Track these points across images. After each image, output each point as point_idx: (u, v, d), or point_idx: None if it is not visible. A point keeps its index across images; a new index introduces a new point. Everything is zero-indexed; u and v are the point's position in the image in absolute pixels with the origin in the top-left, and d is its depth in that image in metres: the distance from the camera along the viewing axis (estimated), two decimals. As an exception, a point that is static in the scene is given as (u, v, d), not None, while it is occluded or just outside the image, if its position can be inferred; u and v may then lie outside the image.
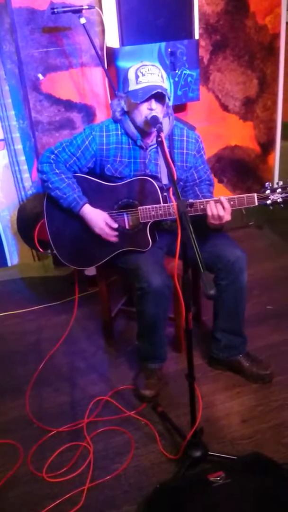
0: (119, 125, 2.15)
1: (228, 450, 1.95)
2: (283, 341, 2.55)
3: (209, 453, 1.88)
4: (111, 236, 2.18)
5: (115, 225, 2.17)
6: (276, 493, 1.64)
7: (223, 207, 1.94)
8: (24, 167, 3.03)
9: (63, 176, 2.15)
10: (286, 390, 2.24)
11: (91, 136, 2.15)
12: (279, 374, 2.31)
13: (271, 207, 1.97)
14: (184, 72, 2.92)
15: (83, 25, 2.63)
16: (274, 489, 1.66)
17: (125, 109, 2.09)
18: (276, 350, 2.49)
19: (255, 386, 2.27)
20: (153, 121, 1.94)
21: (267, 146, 3.70)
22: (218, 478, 1.65)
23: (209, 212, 1.96)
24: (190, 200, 2.00)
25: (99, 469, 1.93)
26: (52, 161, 2.18)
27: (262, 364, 2.31)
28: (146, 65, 2.00)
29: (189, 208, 1.96)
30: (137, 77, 1.98)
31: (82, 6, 2.64)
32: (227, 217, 1.96)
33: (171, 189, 2.09)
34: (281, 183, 1.95)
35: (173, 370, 2.41)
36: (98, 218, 2.16)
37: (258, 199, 1.95)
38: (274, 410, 2.14)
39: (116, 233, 2.18)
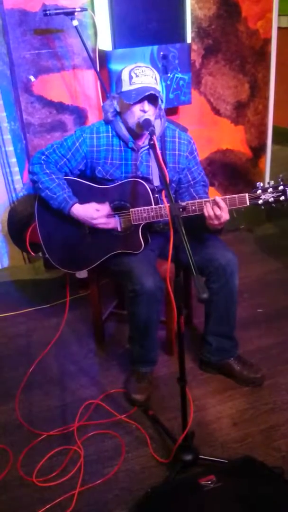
0: (110, 127, 2.15)
1: (219, 453, 1.95)
2: (274, 345, 2.56)
3: (200, 456, 1.88)
4: (110, 223, 2.14)
5: (106, 206, 2.12)
6: (267, 497, 1.64)
7: (219, 207, 1.94)
8: (15, 169, 3.01)
9: (53, 176, 2.14)
10: (277, 393, 2.24)
11: (82, 138, 2.15)
12: (269, 377, 2.32)
13: (262, 207, 1.97)
14: (176, 75, 2.93)
15: (76, 27, 2.62)
16: (265, 493, 1.66)
17: (118, 109, 2.09)
18: (267, 354, 2.49)
19: (246, 389, 2.27)
20: (146, 124, 1.94)
21: (258, 150, 3.71)
22: (209, 482, 1.64)
23: (205, 213, 1.96)
24: (182, 203, 2.00)
25: (90, 473, 1.92)
26: (42, 161, 2.17)
27: (253, 367, 2.32)
28: (140, 67, 2.00)
29: (181, 211, 1.96)
30: (130, 78, 1.98)
31: (74, 8, 2.63)
32: (225, 216, 1.94)
33: (163, 191, 2.09)
34: (272, 182, 1.95)
35: (164, 373, 2.40)
36: (88, 211, 2.11)
37: (249, 199, 1.95)
38: (265, 413, 2.14)
39: (113, 218, 2.14)
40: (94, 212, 2.11)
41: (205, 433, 2.06)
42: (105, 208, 2.13)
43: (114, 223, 2.14)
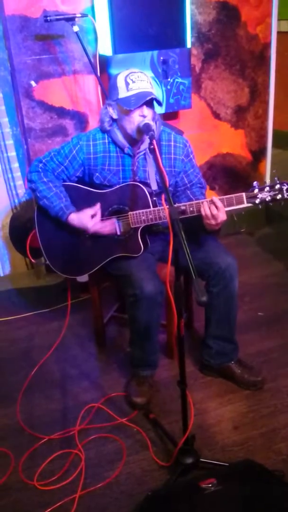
0: (106, 134, 2.15)
1: (219, 457, 1.95)
2: (274, 348, 2.56)
3: (201, 460, 1.88)
4: (106, 226, 2.15)
5: (97, 207, 2.12)
6: (268, 500, 1.64)
7: (216, 206, 1.95)
8: (18, 174, 3.03)
9: (51, 185, 2.15)
10: (277, 396, 2.24)
11: (78, 146, 2.15)
12: (270, 380, 2.32)
13: (260, 206, 1.98)
14: (176, 80, 2.94)
15: (76, 33, 2.64)
16: (266, 496, 1.65)
17: (114, 117, 2.09)
18: (267, 357, 2.49)
19: (247, 392, 2.28)
20: (146, 129, 1.94)
21: (258, 154, 3.73)
22: (210, 485, 1.64)
23: (203, 213, 1.96)
24: (182, 207, 2.01)
25: (91, 476, 1.93)
26: (40, 169, 2.18)
27: (253, 370, 2.32)
28: (135, 72, 2.00)
29: (180, 214, 1.97)
30: (127, 84, 1.98)
31: (75, 14, 2.65)
32: (222, 216, 1.95)
33: (163, 195, 2.10)
34: (268, 181, 1.97)
35: (165, 376, 2.41)
36: (84, 219, 2.12)
37: (246, 198, 1.96)
38: (265, 416, 2.14)
39: (108, 220, 2.15)
40: (88, 222, 2.11)
41: (205, 437, 2.06)
42: (97, 211, 2.13)
43: (110, 225, 2.15)
